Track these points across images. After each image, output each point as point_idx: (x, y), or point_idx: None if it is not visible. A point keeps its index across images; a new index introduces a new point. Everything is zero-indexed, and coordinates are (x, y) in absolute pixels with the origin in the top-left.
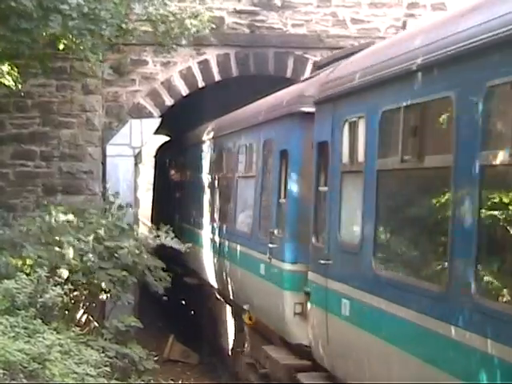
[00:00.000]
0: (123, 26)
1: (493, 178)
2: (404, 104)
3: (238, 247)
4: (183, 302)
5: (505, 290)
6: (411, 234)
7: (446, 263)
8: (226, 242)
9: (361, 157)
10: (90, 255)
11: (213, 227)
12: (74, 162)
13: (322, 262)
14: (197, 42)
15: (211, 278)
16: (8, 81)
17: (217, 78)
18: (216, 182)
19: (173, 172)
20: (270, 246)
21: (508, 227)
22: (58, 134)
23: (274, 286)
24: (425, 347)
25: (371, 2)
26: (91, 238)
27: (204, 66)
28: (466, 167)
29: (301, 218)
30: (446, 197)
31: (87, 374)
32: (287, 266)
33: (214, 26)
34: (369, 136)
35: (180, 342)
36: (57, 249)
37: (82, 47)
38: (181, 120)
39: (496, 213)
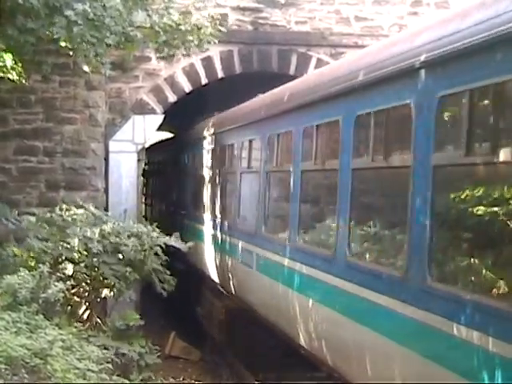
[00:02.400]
0: (126, 33)
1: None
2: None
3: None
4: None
5: None
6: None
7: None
8: (176, 216)
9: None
10: (96, 243)
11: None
12: (77, 158)
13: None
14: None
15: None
16: (12, 75)
17: (220, 74)
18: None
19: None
20: (183, 212)
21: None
22: (61, 129)
23: (190, 235)
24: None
25: None
26: (97, 231)
27: (207, 62)
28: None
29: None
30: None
31: (89, 370)
32: (190, 223)
33: (216, 41)
34: (213, 158)
35: (181, 339)
36: (62, 241)
37: (85, 49)
38: (183, 117)
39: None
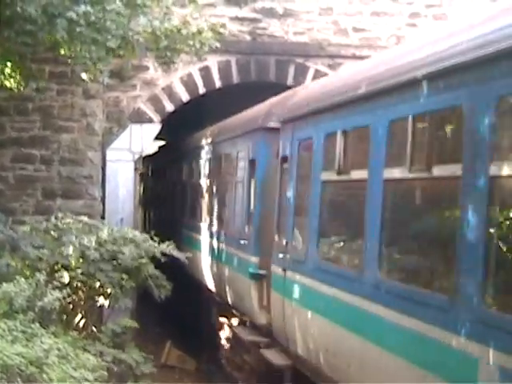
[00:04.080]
0: (126, 37)
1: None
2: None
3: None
4: None
5: None
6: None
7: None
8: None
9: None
10: (92, 251)
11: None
12: (74, 167)
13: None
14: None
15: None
16: (10, 83)
17: (218, 84)
18: None
19: None
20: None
21: None
22: (58, 138)
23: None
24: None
25: (373, 11)
26: (94, 239)
27: (205, 72)
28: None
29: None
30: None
31: (84, 379)
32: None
33: (218, 45)
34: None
35: (177, 348)
36: (58, 248)
37: (85, 56)
38: (181, 126)
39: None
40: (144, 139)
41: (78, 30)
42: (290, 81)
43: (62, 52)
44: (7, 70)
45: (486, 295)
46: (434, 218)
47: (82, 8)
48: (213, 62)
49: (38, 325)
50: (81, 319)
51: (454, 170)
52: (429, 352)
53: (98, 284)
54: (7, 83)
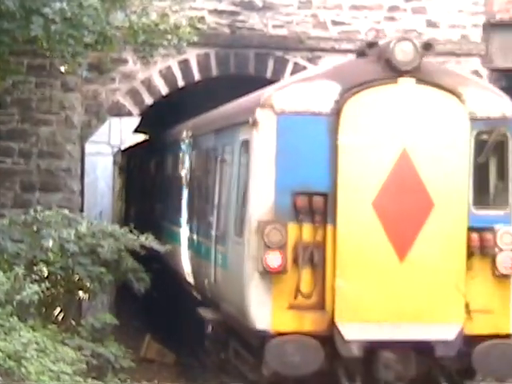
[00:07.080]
0: (104, 32)
1: None
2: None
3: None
4: None
5: None
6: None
7: None
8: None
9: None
10: (71, 245)
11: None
12: (53, 160)
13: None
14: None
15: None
16: None
17: (197, 77)
18: None
19: None
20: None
21: None
22: (36, 131)
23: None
24: None
25: (352, 4)
26: (73, 232)
27: (184, 65)
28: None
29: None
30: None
31: (63, 372)
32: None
33: (195, 39)
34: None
35: (157, 342)
36: (38, 242)
37: (62, 50)
38: (160, 119)
39: None
40: (123, 132)
41: (53, 28)
42: (269, 74)
43: (41, 43)
44: None
45: None
46: None
47: (58, 5)
48: (192, 55)
49: (16, 318)
50: (60, 313)
51: None
52: None
53: (77, 278)
54: None
